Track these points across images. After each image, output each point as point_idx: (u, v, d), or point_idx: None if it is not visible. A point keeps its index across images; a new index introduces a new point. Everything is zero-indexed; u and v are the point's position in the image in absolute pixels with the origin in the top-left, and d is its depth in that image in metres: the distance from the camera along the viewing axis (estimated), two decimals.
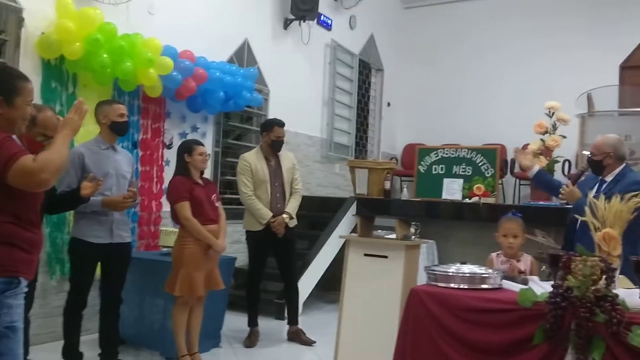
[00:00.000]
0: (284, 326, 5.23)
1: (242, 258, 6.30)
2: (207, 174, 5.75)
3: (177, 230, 4.07)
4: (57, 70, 4.39)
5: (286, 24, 6.91)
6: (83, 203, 3.42)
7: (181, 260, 3.78)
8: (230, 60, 6.07)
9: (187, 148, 3.94)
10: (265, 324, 5.40)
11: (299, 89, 7.18)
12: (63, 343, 3.63)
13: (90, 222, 3.58)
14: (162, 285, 3.87)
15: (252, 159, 4.72)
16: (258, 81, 6.14)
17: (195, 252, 3.79)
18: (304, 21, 6.99)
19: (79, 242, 3.59)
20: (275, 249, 4.81)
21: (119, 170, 3.70)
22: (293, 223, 4.80)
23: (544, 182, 3.97)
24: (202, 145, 4.00)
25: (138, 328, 4.33)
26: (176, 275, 3.77)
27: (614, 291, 2.12)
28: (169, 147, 5.32)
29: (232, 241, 6.19)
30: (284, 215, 4.68)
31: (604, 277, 2.11)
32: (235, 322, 5.18)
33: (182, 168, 3.93)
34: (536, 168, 3.89)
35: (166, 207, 5.06)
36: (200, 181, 3.95)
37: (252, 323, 4.83)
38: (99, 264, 3.73)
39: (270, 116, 6.67)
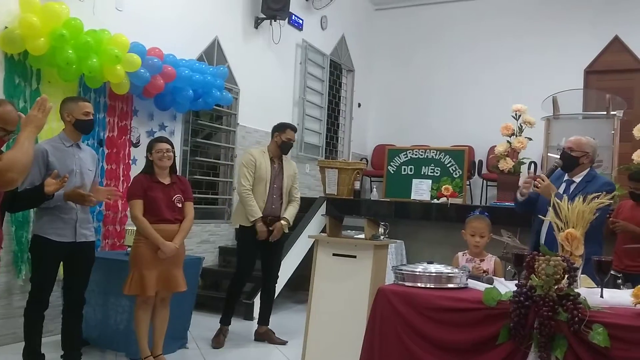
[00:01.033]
0: (252, 326, 5.20)
1: (210, 258, 6.26)
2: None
3: None
4: (20, 66, 4.27)
5: (257, 23, 6.88)
6: (46, 200, 3.35)
7: (134, 260, 3.78)
8: (200, 59, 6.00)
9: (149, 146, 3.94)
10: (233, 324, 5.36)
11: (269, 89, 7.15)
12: (24, 344, 3.53)
13: (53, 219, 3.48)
14: (122, 286, 3.81)
15: (258, 155, 4.75)
16: (228, 80, 6.09)
17: (146, 252, 3.74)
18: (275, 20, 6.96)
19: (41, 239, 3.48)
20: (262, 249, 4.79)
21: (82, 168, 3.62)
22: (286, 229, 4.83)
23: (527, 202, 3.70)
24: (165, 142, 3.92)
25: (103, 329, 4.25)
26: (129, 275, 3.76)
27: (576, 290, 2.16)
28: (136, 145, 5.24)
29: (200, 241, 6.14)
30: (283, 222, 4.73)
31: (566, 276, 2.15)
32: (203, 322, 5.13)
33: (146, 166, 3.94)
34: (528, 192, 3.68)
35: None
36: (166, 180, 3.89)
37: (225, 321, 4.78)
38: (62, 263, 3.64)
39: (240, 115, 6.66)
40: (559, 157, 3.69)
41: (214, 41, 6.26)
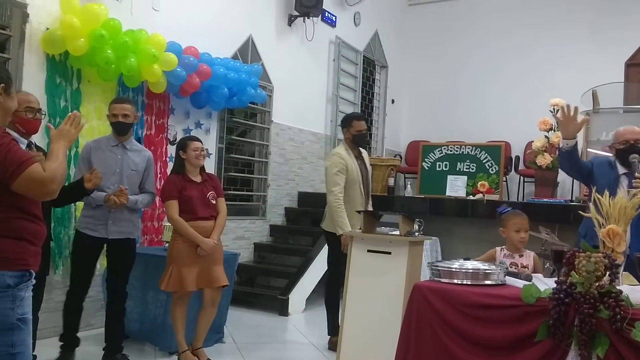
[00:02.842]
0: (287, 322, 5.25)
1: (245, 254, 6.32)
2: (211, 170, 5.77)
3: None
4: (61, 66, 4.40)
5: (290, 20, 6.91)
6: (86, 195, 3.52)
7: (171, 257, 3.83)
8: (234, 57, 6.06)
9: (182, 144, 3.95)
10: (267, 319, 5.42)
11: (303, 86, 7.18)
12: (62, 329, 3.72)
13: (88, 216, 3.70)
14: (159, 282, 3.89)
15: (346, 156, 4.41)
16: (262, 77, 6.13)
17: (185, 249, 3.79)
18: (308, 18, 6.98)
19: (77, 234, 3.76)
20: None
21: (124, 169, 3.71)
22: None
23: (575, 158, 3.37)
24: (198, 140, 3.97)
25: (141, 323, 4.35)
26: (166, 271, 3.82)
27: (618, 287, 2.11)
28: (173, 143, 5.33)
29: (236, 237, 6.20)
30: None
31: (607, 273, 2.11)
32: (239, 317, 5.20)
33: (178, 165, 3.96)
34: (575, 141, 3.31)
35: None
36: (197, 178, 3.93)
37: (335, 331, 4.26)
38: (106, 258, 3.81)
39: (275, 113, 6.70)
40: (616, 151, 3.33)
41: (248, 39, 6.31)
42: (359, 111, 8.38)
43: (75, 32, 4.20)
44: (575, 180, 6.47)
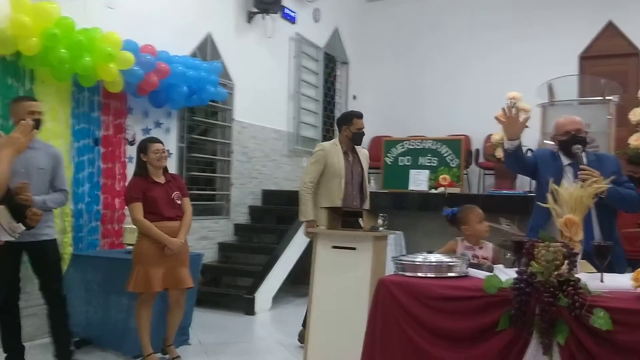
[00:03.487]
0: (253, 321, 5.22)
1: (209, 254, 6.26)
2: (172, 170, 5.68)
3: None
4: (13, 67, 4.26)
5: (250, 17, 6.85)
6: None
7: (137, 258, 3.81)
8: (194, 55, 5.98)
9: (142, 147, 3.93)
10: (233, 319, 5.38)
11: (264, 83, 7.13)
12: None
13: None
14: (126, 283, 3.82)
15: (330, 149, 4.43)
16: (222, 75, 6.07)
17: (150, 249, 3.78)
18: (267, 14, 6.94)
19: None
20: None
21: (30, 168, 3.52)
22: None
23: (519, 157, 3.36)
24: (158, 142, 3.94)
25: (103, 328, 4.25)
26: (132, 273, 3.79)
27: (576, 275, 2.16)
28: (132, 143, 5.23)
29: (200, 237, 6.13)
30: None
31: (566, 262, 2.15)
32: (204, 318, 5.14)
33: (140, 168, 3.94)
34: (519, 142, 3.30)
35: None
36: (161, 179, 3.92)
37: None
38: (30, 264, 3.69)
39: (236, 110, 6.65)
40: (559, 142, 3.31)
41: (207, 37, 6.23)
42: (321, 107, 8.39)
43: (27, 31, 4.07)
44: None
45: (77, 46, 4.31)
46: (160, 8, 5.60)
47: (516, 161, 3.37)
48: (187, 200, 4.04)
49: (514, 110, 3.23)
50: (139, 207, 3.79)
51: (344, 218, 3.82)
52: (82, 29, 4.44)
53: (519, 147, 3.25)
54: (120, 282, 4.01)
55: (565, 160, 3.25)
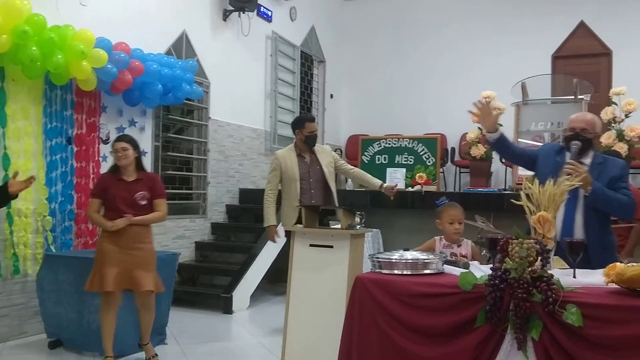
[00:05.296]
0: (231, 320, 5.19)
1: (186, 253, 6.22)
2: (148, 169, 5.61)
3: None
4: None
5: (225, 15, 6.81)
6: (12, 199, 3.41)
7: (96, 257, 3.82)
8: (168, 52, 5.92)
9: (112, 145, 3.94)
10: (211, 318, 5.35)
11: (240, 81, 7.10)
12: None
13: None
14: None
15: (283, 156, 4.69)
16: (198, 73, 6.02)
17: (108, 249, 3.76)
18: (243, 12, 6.91)
19: None
20: None
21: None
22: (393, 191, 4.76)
23: (505, 147, 3.38)
24: (121, 140, 3.89)
25: (77, 329, 4.18)
26: (91, 272, 3.79)
27: (549, 272, 2.19)
28: (106, 142, 5.16)
29: (176, 237, 6.09)
30: (390, 185, 4.74)
31: (539, 258, 2.18)
32: (181, 318, 5.10)
33: (113, 164, 3.96)
34: (499, 133, 3.28)
35: None
36: (130, 177, 3.87)
37: None
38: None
39: (212, 109, 6.61)
40: (564, 138, 3.24)
41: (182, 35, 6.18)
42: (298, 106, 8.38)
43: None
44: (510, 168, 6.71)
45: (49, 44, 4.23)
46: (135, 5, 5.53)
47: (502, 151, 3.42)
48: (161, 201, 3.96)
49: (485, 104, 3.25)
50: (94, 202, 3.86)
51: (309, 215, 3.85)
52: (53, 26, 4.36)
53: (501, 137, 3.26)
54: None
55: (568, 157, 3.12)
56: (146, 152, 5.65)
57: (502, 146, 3.32)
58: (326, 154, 4.78)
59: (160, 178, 4.11)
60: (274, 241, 4.77)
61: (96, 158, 5.04)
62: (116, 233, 3.75)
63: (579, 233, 2.97)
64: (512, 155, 3.45)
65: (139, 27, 5.46)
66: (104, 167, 5.06)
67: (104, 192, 3.82)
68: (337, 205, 4.69)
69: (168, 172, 6.11)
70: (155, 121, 5.87)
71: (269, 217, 4.66)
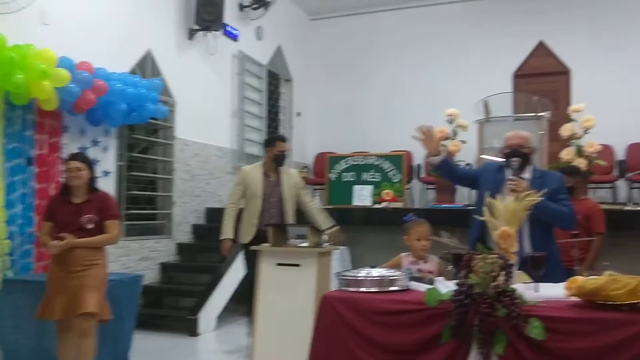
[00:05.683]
0: (197, 342, 5.10)
1: (151, 275, 6.10)
2: (111, 189, 5.53)
3: None
4: None
5: (191, 34, 6.79)
6: None
7: (46, 283, 3.69)
8: (133, 72, 5.86)
9: (64, 163, 3.82)
10: (176, 341, 5.25)
11: (206, 100, 7.07)
12: None
13: None
14: None
15: (249, 172, 4.73)
16: (163, 92, 5.97)
17: (54, 274, 3.63)
18: (209, 31, 6.90)
19: None
20: None
21: None
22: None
23: (448, 170, 3.52)
24: (74, 159, 3.72)
25: (37, 355, 4.04)
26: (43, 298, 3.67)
27: (513, 286, 2.22)
28: None
29: (140, 258, 5.97)
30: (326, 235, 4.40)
31: (502, 273, 2.21)
32: (146, 342, 4.98)
33: (63, 185, 3.83)
34: (442, 156, 3.42)
35: None
36: (79, 199, 3.68)
37: None
38: None
39: (178, 128, 6.55)
40: (503, 155, 3.35)
41: (147, 53, 6.13)
42: (265, 124, 8.38)
43: None
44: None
45: (9, 63, 4.14)
46: (98, 24, 5.47)
47: (447, 174, 3.52)
48: (112, 223, 3.71)
49: (427, 129, 3.35)
50: (45, 226, 3.71)
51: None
52: (14, 45, 4.27)
53: (444, 161, 3.37)
54: None
55: (508, 174, 3.23)
56: (109, 172, 5.55)
57: (445, 168, 3.42)
58: (291, 178, 4.79)
59: (112, 198, 3.86)
60: (226, 255, 4.71)
61: (58, 179, 4.92)
62: (62, 257, 3.56)
63: (526, 245, 3.05)
64: (456, 176, 3.55)
65: (102, 46, 5.40)
66: None
67: (53, 215, 3.68)
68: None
69: (132, 192, 6.01)
70: (119, 140, 5.78)
71: (226, 230, 4.63)
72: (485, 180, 3.34)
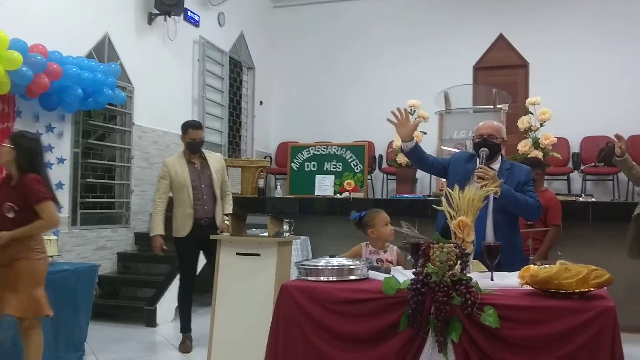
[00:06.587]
0: (154, 333, 5.04)
1: (108, 265, 5.98)
2: (66, 177, 5.39)
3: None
4: None
5: (150, 18, 6.64)
6: None
7: None
8: (89, 56, 5.70)
9: None
10: (133, 331, 5.17)
11: (166, 87, 6.93)
12: None
13: None
14: None
15: (172, 163, 4.66)
16: (121, 78, 5.83)
17: None
18: (169, 16, 6.76)
19: None
20: (206, 249, 4.59)
21: None
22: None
23: (418, 157, 3.42)
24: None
25: None
26: None
27: (468, 275, 2.26)
28: None
29: (97, 248, 5.84)
30: (226, 222, 4.54)
31: (459, 262, 2.24)
32: (102, 332, 4.90)
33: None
34: (414, 142, 3.30)
35: None
36: (14, 182, 3.41)
37: (186, 329, 4.72)
38: None
39: (136, 114, 6.41)
40: (473, 145, 3.36)
41: (104, 37, 5.96)
42: (227, 112, 8.29)
43: None
44: (432, 176, 6.91)
45: None
46: (53, 6, 5.29)
47: (417, 161, 3.46)
48: (41, 207, 3.35)
49: (404, 113, 3.27)
50: None
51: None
52: None
53: (416, 147, 3.31)
54: None
55: (477, 164, 3.22)
56: (65, 159, 5.41)
57: (416, 155, 3.37)
58: (217, 161, 4.80)
59: (37, 180, 3.38)
60: (159, 252, 4.61)
61: None
62: None
63: (489, 234, 3.08)
64: (426, 164, 3.49)
65: (57, 29, 5.23)
66: None
67: None
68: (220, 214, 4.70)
69: (89, 179, 5.86)
70: (75, 127, 5.62)
71: (156, 227, 4.58)
72: (454, 169, 3.35)
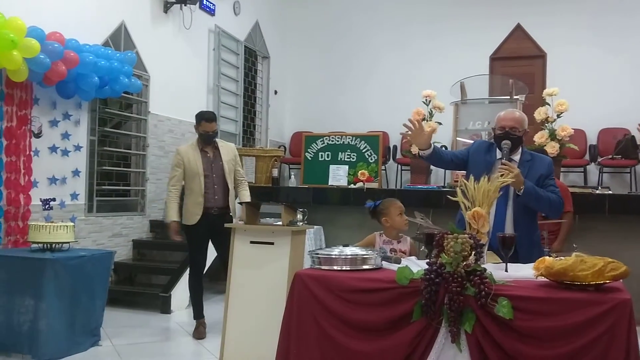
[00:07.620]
0: (169, 320, 5.09)
1: (123, 252, 6.05)
2: (82, 164, 5.45)
3: (47, 224, 3.96)
4: None
5: (166, 7, 6.65)
6: None
7: None
8: (106, 44, 5.73)
9: None
10: (148, 318, 5.23)
11: (182, 76, 6.95)
12: None
13: None
14: (31, 283, 3.60)
15: (186, 152, 4.68)
16: (137, 66, 5.86)
17: None
18: (185, 5, 6.77)
19: None
20: (215, 239, 4.68)
21: None
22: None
23: (437, 159, 3.37)
24: None
25: (7, 330, 3.98)
26: None
27: (483, 266, 2.25)
28: (38, 135, 4.95)
29: (112, 235, 5.91)
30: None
31: (473, 253, 2.24)
32: (118, 318, 4.96)
33: None
34: (431, 149, 3.22)
35: (35, 200, 4.72)
36: None
37: (199, 315, 4.75)
38: None
39: (152, 103, 6.45)
40: (494, 136, 3.25)
41: (120, 26, 5.99)
42: (242, 102, 8.30)
43: None
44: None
45: None
46: None
47: (436, 162, 3.44)
48: None
49: (417, 124, 3.18)
50: None
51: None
52: None
53: (434, 152, 3.22)
54: (25, 282, 3.82)
55: (498, 155, 3.17)
56: (81, 147, 5.46)
57: (434, 158, 3.31)
58: (229, 151, 4.82)
59: None
60: (176, 237, 4.65)
61: (27, 152, 4.81)
62: None
63: (509, 229, 3.05)
64: (445, 162, 3.43)
65: (74, 17, 5.26)
66: (36, 162, 4.87)
67: None
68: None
69: (104, 167, 5.91)
70: (91, 115, 5.67)
71: (171, 213, 4.62)
72: (474, 161, 3.28)
